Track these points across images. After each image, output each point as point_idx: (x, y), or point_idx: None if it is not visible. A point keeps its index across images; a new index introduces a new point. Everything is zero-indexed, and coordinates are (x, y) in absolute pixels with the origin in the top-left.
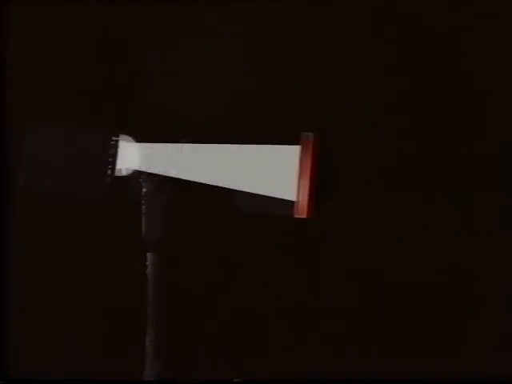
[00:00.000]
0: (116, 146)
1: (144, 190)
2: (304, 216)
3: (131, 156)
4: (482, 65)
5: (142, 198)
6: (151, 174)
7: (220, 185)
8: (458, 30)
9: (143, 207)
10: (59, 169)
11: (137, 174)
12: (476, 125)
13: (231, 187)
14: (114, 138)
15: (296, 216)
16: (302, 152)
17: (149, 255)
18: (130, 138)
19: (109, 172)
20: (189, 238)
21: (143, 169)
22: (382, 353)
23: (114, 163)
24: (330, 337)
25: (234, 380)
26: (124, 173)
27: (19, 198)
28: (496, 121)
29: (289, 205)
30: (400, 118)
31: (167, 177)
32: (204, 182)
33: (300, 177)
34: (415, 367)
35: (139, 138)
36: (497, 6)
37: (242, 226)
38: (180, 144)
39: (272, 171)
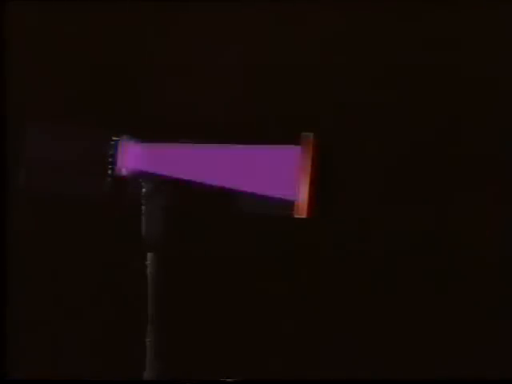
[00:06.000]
0: (116, 146)
1: (144, 190)
2: (304, 216)
3: (131, 156)
4: (481, 65)
5: (142, 198)
6: (151, 173)
7: (220, 185)
8: (457, 30)
9: (143, 207)
10: (59, 169)
11: (137, 174)
12: (476, 125)
13: (231, 187)
14: (113, 138)
15: (296, 216)
16: (302, 152)
17: (149, 255)
18: (130, 138)
19: (109, 172)
20: (189, 238)
21: (143, 169)
22: (381, 353)
23: (113, 163)
24: (329, 337)
25: (230, 380)
26: (124, 173)
27: (19, 198)
28: (496, 120)
29: (289, 205)
30: (400, 119)
31: (167, 177)
32: (204, 182)
33: (300, 177)
34: (415, 367)
35: (139, 138)
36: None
37: (242, 226)
38: (180, 144)
39: (272, 171)
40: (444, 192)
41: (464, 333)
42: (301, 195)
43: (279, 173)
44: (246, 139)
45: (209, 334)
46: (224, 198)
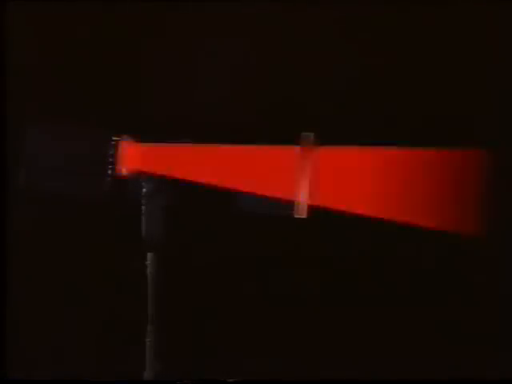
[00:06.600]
0: (116, 146)
1: (144, 190)
2: (304, 216)
3: (131, 156)
4: (482, 65)
5: (142, 198)
6: (151, 174)
7: (220, 185)
8: (457, 29)
9: (143, 207)
10: (59, 169)
11: (137, 174)
12: (476, 125)
13: (231, 187)
14: (114, 138)
15: (296, 216)
16: (302, 152)
17: (149, 255)
18: (130, 138)
19: (109, 172)
20: (189, 237)
21: (143, 169)
22: (381, 353)
23: (113, 163)
24: (329, 337)
25: (230, 380)
26: (124, 173)
27: (19, 198)
28: (497, 120)
29: (289, 205)
30: (400, 119)
31: (167, 177)
32: (204, 182)
33: (300, 177)
34: (415, 367)
35: (139, 138)
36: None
37: (241, 226)
38: (180, 144)
39: (272, 171)
40: (445, 192)
41: (464, 333)
42: (301, 195)
43: (279, 173)
44: (245, 139)
45: (209, 334)
46: (224, 198)
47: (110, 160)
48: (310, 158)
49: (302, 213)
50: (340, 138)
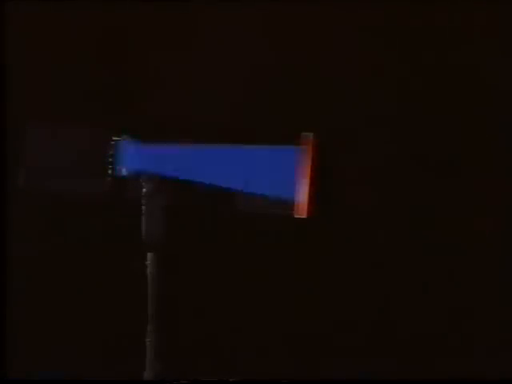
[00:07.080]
0: (116, 146)
1: (144, 190)
2: (304, 216)
3: (131, 156)
4: (481, 64)
5: (142, 198)
6: (151, 173)
7: (220, 185)
8: (457, 30)
9: (143, 207)
10: (59, 169)
11: (137, 174)
12: (476, 124)
13: (231, 187)
14: (114, 138)
15: (296, 216)
16: (302, 152)
17: (149, 255)
18: (130, 138)
19: (109, 172)
20: (189, 238)
21: (143, 169)
22: (381, 352)
23: (113, 163)
24: (329, 337)
25: (231, 380)
26: (124, 173)
27: (19, 198)
28: (497, 118)
29: (289, 205)
30: (400, 119)
31: (167, 177)
32: (204, 182)
33: (300, 177)
34: (415, 367)
35: (139, 138)
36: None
37: (242, 226)
38: (180, 144)
39: (272, 171)
40: (445, 192)
41: (463, 333)
42: (301, 195)
43: (279, 173)
44: (246, 139)
45: (209, 334)
46: (224, 198)
47: (110, 160)
48: (309, 158)
49: (301, 213)
50: (340, 137)
